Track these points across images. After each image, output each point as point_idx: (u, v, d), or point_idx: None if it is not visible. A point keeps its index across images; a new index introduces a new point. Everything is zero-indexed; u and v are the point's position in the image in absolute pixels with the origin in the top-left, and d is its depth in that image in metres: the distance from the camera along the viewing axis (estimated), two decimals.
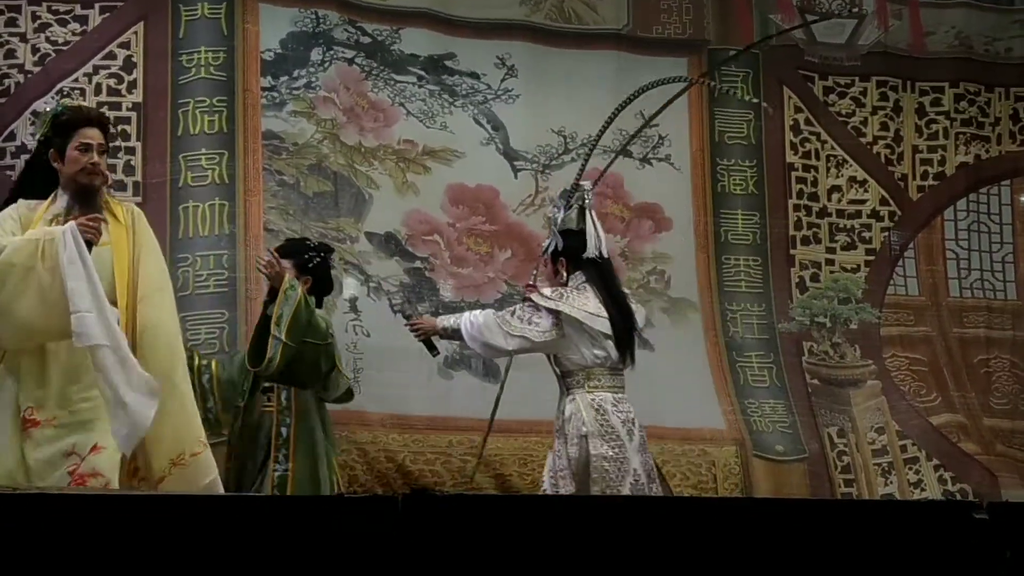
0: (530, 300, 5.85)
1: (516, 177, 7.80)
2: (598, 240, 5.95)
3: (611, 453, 5.73)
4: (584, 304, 5.83)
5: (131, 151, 7.17)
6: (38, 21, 7.22)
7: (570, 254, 5.94)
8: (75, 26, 7.25)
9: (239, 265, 7.06)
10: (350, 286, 7.23)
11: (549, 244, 6.02)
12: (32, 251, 4.71)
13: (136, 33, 7.27)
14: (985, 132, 8.37)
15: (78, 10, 7.28)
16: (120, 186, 7.06)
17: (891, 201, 8.22)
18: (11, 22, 7.20)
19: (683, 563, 3.27)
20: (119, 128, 7.11)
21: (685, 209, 8.01)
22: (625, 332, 5.90)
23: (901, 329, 8.07)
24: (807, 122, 8.15)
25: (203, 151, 7.17)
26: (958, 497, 7.61)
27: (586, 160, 6.33)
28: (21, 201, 4.98)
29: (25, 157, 6.88)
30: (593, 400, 5.80)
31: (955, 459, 7.82)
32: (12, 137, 7.11)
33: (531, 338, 5.80)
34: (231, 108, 7.24)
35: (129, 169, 7.14)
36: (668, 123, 7.89)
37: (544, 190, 7.77)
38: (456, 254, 7.59)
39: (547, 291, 5.86)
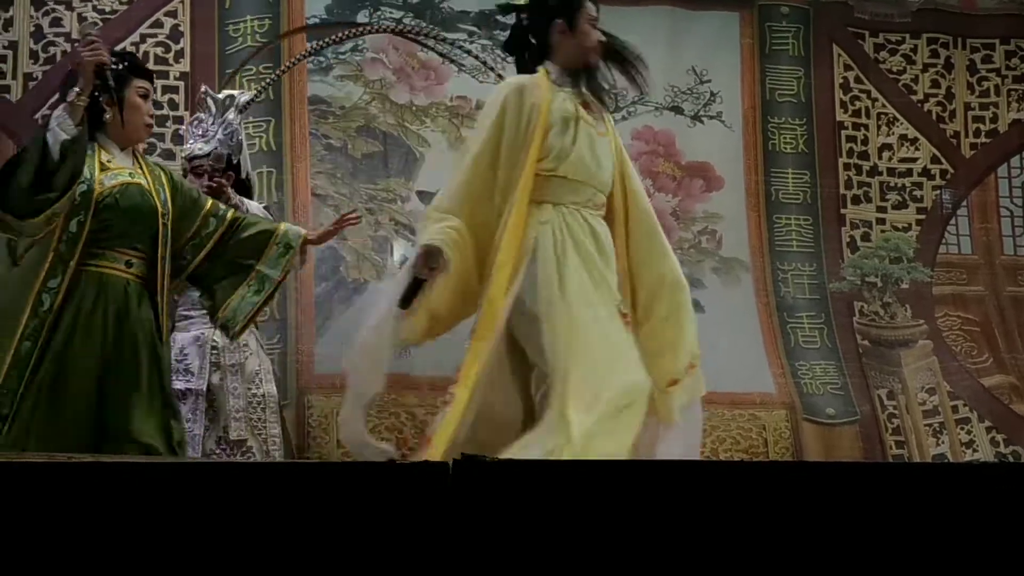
0: None
1: None
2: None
3: None
4: None
5: (179, 120, 7.17)
6: None
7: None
8: None
9: None
10: (400, 247, 7.25)
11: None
12: None
13: (183, 2, 7.29)
14: None
15: None
16: (168, 155, 7.08)
17: (943, 159, 8.17)
18: None
19: (734, 529, 3.27)
20: (167, 97, 7.16)
21: (736, 168, 7.96)
22: None
23: (953, 288, 8.03)
24: (857, 80, 8.10)
25: (250, 119, 7.18)
26: (1010, 459, 7.60)
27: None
28: None
29: None
30: None
31: (1007, 421, 7.78)
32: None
33: None
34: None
35: (177, 138, 7.16)
36: (720, 80, 7.87)
37: None
38: None
39: None
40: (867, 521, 3.27)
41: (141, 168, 5.13)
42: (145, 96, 5.15)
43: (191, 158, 6.03)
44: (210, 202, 5.35)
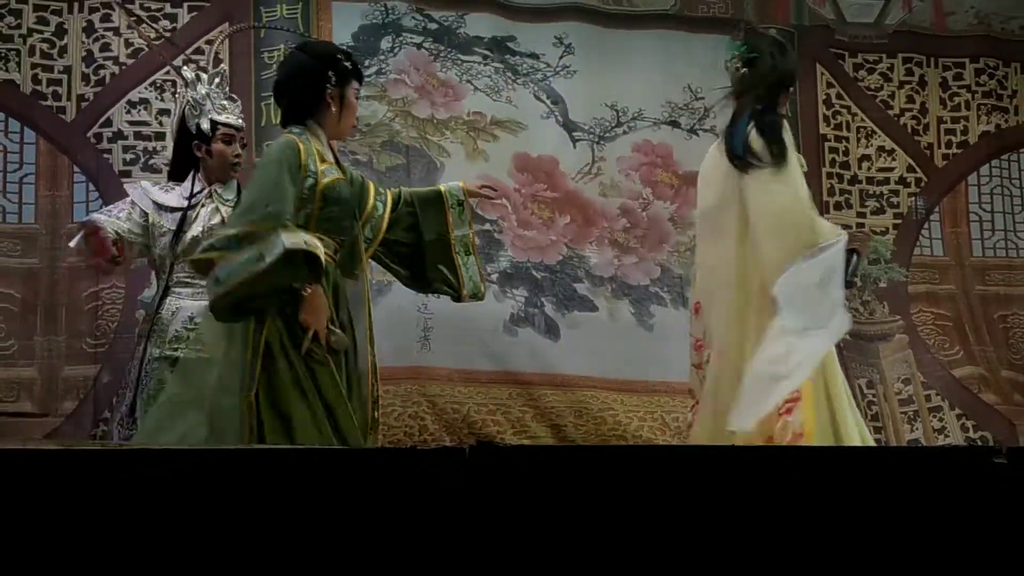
0: None
1: (575, 147, 7.86)
2: None
3: None
4: None
5: None
6: (132, 17, 7.30)
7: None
8: (165, 23, 7.37)
9: None
10: None
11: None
12: None
13: (221, 31, 7.36)
14: (1004, 104, 8.39)
15: (168, 8, 7.42)
16: None
17: (917, 168, 8.25)
18: (106, 18, 7.33)
19: (729, 511, 3.29)
20: None
21: None
22: None
23: (927, 287, 8.10)
24: (838, 96, 8.19)
25: None
26: (979, 443, 7.62)
27: None
28: None
29: (122, 142, 7.01)
30: None
31: (976, 409, 7.85)
32: (108, 123, 7.23)
33: None
34: None
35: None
36: (714, 96, 7.91)
37: (600, 159, 7.85)
38: (522, 218, 7.67)
39: None
40: (846, 501, 3.29)
41: (337, 161, 5.24)
42: (356, 98, 5.26)
43: (224, 124, 5.96)
44: (372, 186, 5.39)
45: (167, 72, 7.23)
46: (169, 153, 6.41)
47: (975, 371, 7.91)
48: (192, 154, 5.96)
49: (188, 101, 5.99)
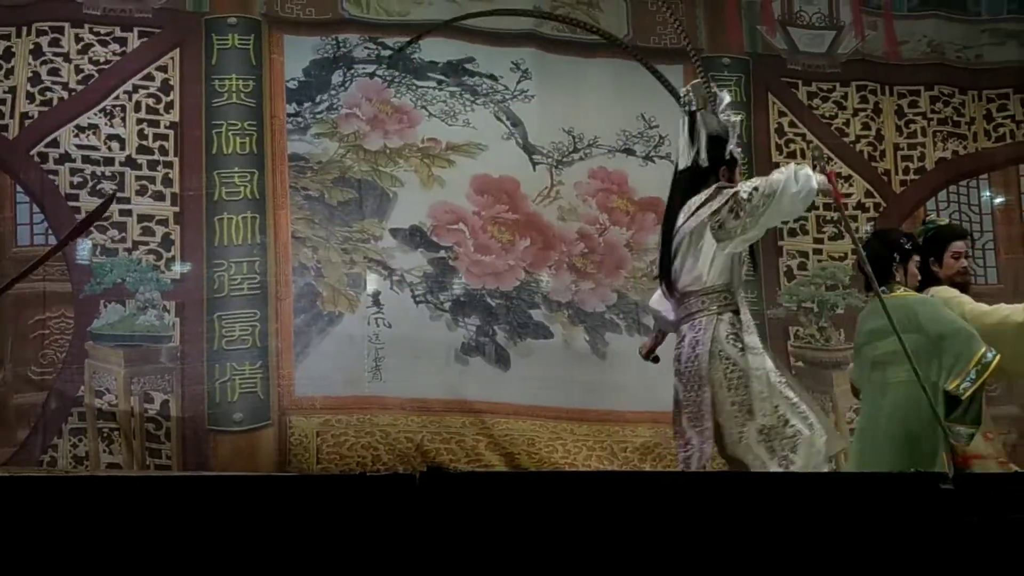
0: None
1: (534, 170, 7.99)
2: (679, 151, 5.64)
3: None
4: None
5: (169, 165, 7.41)
6: (81, 42, 7.42)
7: None
8: (115, 47, 7.47)
9: (269, 270, 7.35)
10: (373, 281, 7.44)
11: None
12: None
13: (172, 58, 7.50)
14: (961, 131, 8.57)
15: (118, 32, 7.50)
16: (158, 196, 7.33)
17: (875, 194, 8.35)
18: (55, 42, 7.40)
19: (676, 536, 3.36)
20: (158, 143, 7.29)
21: None
22: (663, 249, 5.50)
23: None
24: (791, 124, 8.35)
25: (235, 170, 7.43)
26: None
27: None
28: None
29: (69, 165, 7.06)
30: None
31: None
32: (55, 144, 7.28)
33: None
34: (260, 132, 7.53)
35: (167, 181, 7.36)
36: (668, 124, 8.04)
37: (559, 183, 7.98)
38: (480, 242, 7.77)
39: None
40: (792, 527, 3.38)
41: None
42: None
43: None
44: None
45: (115, 97, 7.29)
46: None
47: None
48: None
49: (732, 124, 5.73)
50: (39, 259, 6.44)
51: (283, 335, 7.25)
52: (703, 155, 5.41)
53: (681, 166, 5.50)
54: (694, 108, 5.59)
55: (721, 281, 5.29)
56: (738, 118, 5.67)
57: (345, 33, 7.80)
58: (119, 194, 7.19)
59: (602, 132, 8.06)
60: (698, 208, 5.32)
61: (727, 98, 5.69)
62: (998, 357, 5.52)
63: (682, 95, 5.66)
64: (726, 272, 5.32)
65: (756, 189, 5.21)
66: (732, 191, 5.27)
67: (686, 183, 5.45)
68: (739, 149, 5.55)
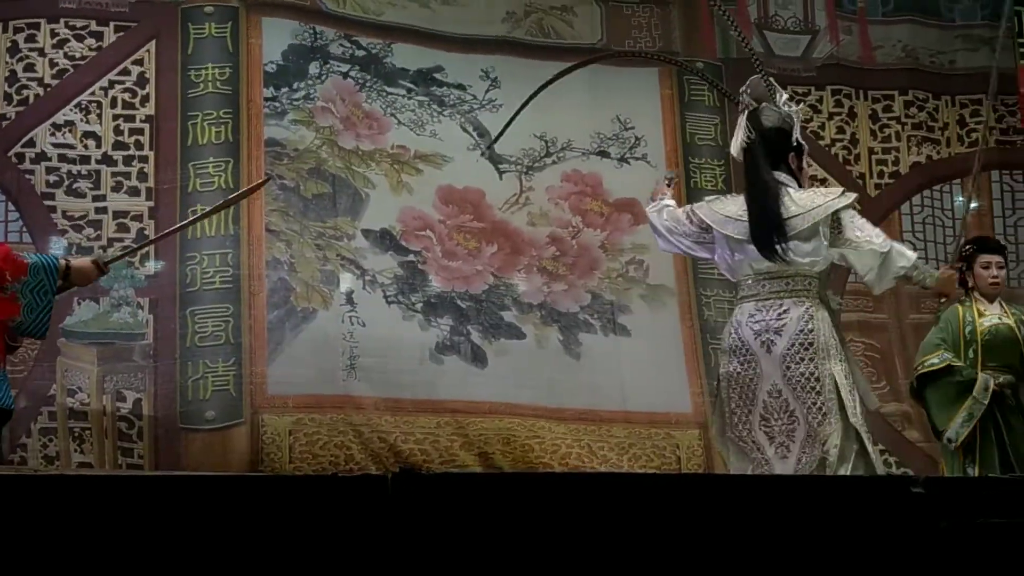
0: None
1: (501, 179, 8.00)
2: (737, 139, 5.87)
3: (739, 370, 5.53)
4: (723, 208, 5.71)
5: (144, 159, 7.38)
6: (56, 37, 7.39)
7: None
8: (91, 42, 7.46)
9: (242, 263, 7.29)
10: (346, 280, 7.43)
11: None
12: None
13: (148, 51, 7.49)
14: (935, 135, 8.63)
15: (93, 26, 7.49)
16: (134, 191, 7.31)
17: None
18: (30, 38, 7.39)
19: (653, 537, 3.37)
20: (133, 138, 7.26)
21: None
22: (760, 228, 5.57)
23: (860, 315, 8.22)
24: None
25: (210, 159, 7.38)
26: None
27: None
28: None
29: (45, 164, 7.04)
30: (736, 314, 5.65)
31: (899, 446, 8.00)
32: (32, 144, 7.24)
33: (664, 237, 5.82)
34: (236, 119, 7.48)
35: (142, 176, 7.33)
36: (643, 126, 8.10)
37: (528, 190, 7.98)
38: (447, 248, 7.77)
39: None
40: (761, 528, 3.40)
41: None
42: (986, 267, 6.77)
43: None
44: None
45: (91, 93, 7.27)
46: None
47: (899, 408, 8.02)
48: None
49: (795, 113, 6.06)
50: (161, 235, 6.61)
51: (256, 331, 7.20)
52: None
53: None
54: (753, 108, 5.81)
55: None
56: (799, 106, 5.86)
57: (322, 25, 7.78)
58: (94, 192, 7.22)
59: (576, 135, 8.08)
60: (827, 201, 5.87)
61: (784, 93, 5.95)
62: None
63: (740, 94, 5.85)
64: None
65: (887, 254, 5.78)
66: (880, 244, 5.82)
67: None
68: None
